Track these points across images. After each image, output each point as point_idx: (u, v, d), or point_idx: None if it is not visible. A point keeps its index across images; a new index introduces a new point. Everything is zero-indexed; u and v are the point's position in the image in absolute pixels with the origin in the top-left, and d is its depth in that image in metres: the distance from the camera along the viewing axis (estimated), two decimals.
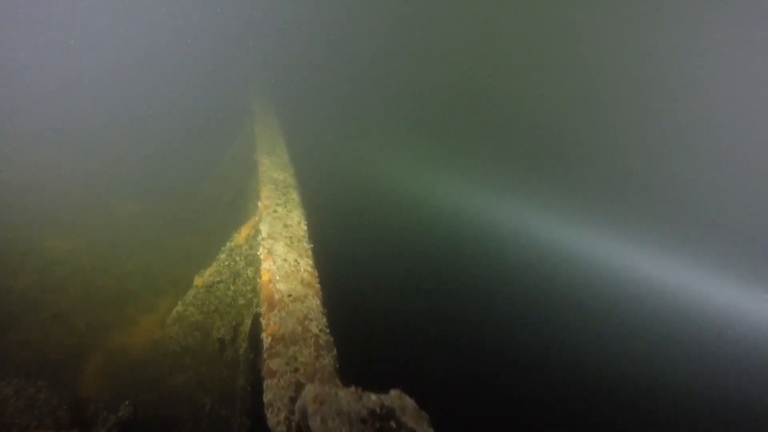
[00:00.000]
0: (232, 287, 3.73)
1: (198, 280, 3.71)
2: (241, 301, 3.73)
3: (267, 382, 1.92)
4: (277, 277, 2.51)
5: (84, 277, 4.73)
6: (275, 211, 3.25)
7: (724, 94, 10.06)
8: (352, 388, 1.62)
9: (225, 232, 6.57)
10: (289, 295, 2.40)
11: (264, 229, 3.02)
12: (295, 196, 3.65)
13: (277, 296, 2.35)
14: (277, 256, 2.72)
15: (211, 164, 6.75)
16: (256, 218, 3.48)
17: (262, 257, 2.71)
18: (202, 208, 6.67)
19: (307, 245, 3.00)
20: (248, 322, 3.48)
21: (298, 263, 2.73)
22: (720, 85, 10.06)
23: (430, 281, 6.12)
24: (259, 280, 2.98)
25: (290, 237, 2.98)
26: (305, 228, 3.22)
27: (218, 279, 3.66)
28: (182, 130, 8.06)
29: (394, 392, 1.59)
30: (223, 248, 3.70)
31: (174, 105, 8.56)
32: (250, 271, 3.63)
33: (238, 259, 3.64)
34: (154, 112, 8.15)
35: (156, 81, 8.89)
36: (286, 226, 3.11)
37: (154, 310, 4.67)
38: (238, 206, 6.37)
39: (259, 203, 3.45)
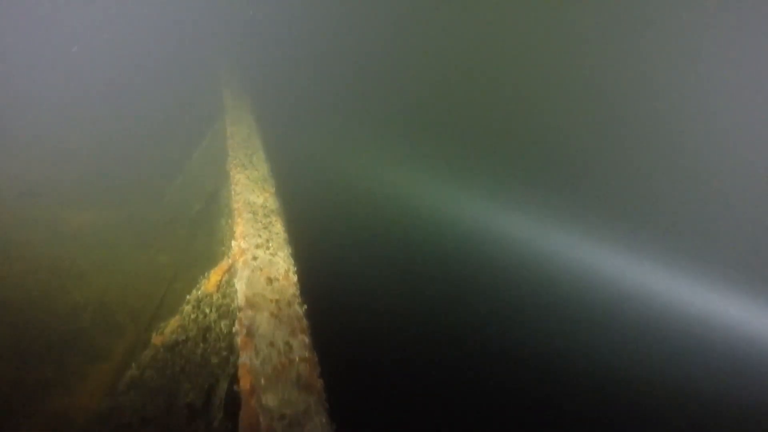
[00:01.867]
0: (201, 345, 2.95)
1: (157, 338, 2.91)
2: (215, 360, 2.96)
3: None
4: (263, 382, 1.75)
5: (13, 316, 3.85)
6: (255, 258, 2.46)
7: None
8: None
9: (196, 250, 5.68)
10: (282, 416, 1.64)
11: (241, 289, 2.24)
12: (279, 227, 2.85)
13: (264, 421, 1.59)
14: (261, 340, 1.95)
15: (178, 165, 5.83)
16: (230, 262, 2.68)
17: (239, 343, 1.93)
18: (168, 218, 5.78)
19: (299, 310, 2.23)
20: (224, 385, 2.73)
21: (290, 347, 1.96)
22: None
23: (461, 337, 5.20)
24: (237, 339, 2.22)
25: (277, 301, 2.20)
26: (296, 280, 2.44)
27: (183, 336, 2.86)
28: (144, 124, 7.04)
29: None
30: (188, 297, 2.90)
31: (135, 93, 7.51)
32: (224, 325, 2.85)
33: (208, 311, 2.85)
34: (112, 102, 7.11)
35: (110, 64, 7.79)
36: (270, 281, 2.33)
37: (107, 357, 3.84)
38: (210, 215, 5.53)
39: (234, 244, 2.64)
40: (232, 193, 3.16)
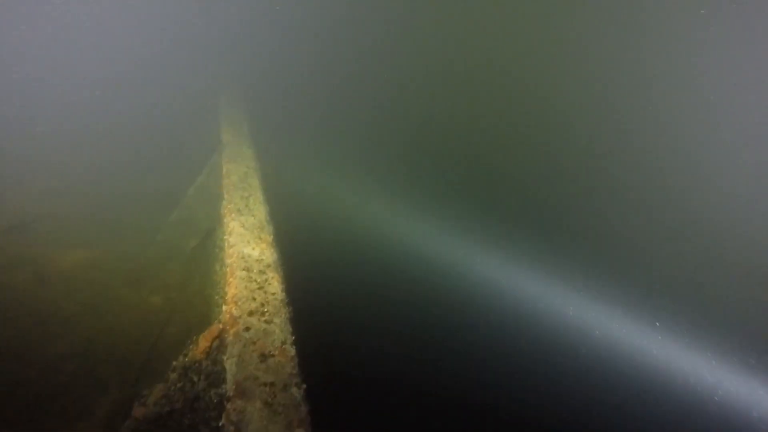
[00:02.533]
0: (189, 415, 2.66)
1: (138, 410, 2.63)
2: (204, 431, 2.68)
3: None
4: None
5: None
6: (247, 329, 2.20)
7: None
8: None
9: (191, 290, 5.38)
10: None
11: (230, 370, 1.97)
12: (276, 286, 2.60)
13: None
14: None
15: (173, 200, 5.60)
16: (220, 327, 2.42)
17: None
18: (163, 256, 5.52)
19: (297, 394, 1.95)
20: None
21: None
22: None
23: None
24: (228, 405, 1.94)
25: (271, 385, 1.93)
26: (293, 353, 2.17)
27: (168, 408, 2.58)
28: (139, 156, 6.83)
29: None
30: (174, 363, 2.62)
31: (130, 124, 7.32)
32: (213, 394, 2.57)
33: (196, 379, 2.57)
34: (105, 133, 6.90)
35: (103, 93, 7.61)
36: (264, 357, 2.06)
37: (89, 414, 3.55)
38: (206, 252, 5.28)
39: (225, 309, 2.38)
40: (226, 244, 2.91)
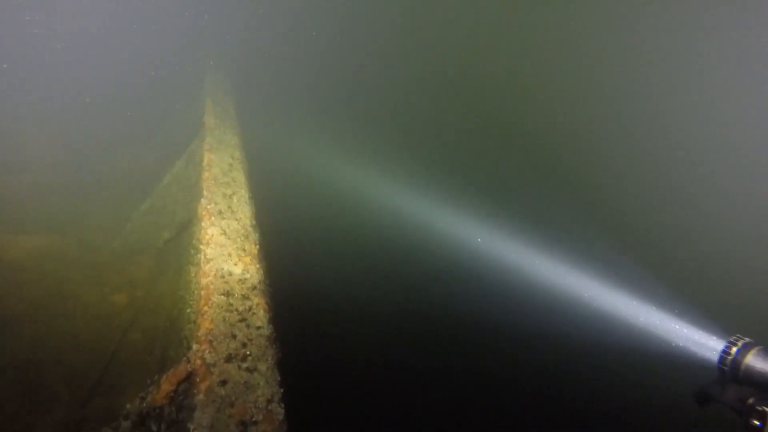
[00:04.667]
0: None
1: None
2: None
3: None
4: None
5: None
6: (223, 383, 1.70)
7: None
8: None
9: (161, 290, 4.83)
10: None
11: None
12: (262, 317, 2.10)
13: None
14: None
15: (146, 186, 5.00)
16: (189, 368, 1.91)
17: None
18: (131, 248, 4.92)
19: None
20: None
21: None
22: None
23: None
24: None
25: None
26: (282, 416, 1.68)
27: None
28: (108, 133, 6.13)
29: None
30: (127, 407, 2.10)
31: (100, 94, 6.58)
32: None
33: (155, 429, 2.07)
34: (71, 104, 6.16)
35: (72, 61, 6.83)
36: (243, 426, 1.57)
37: None
38: (181, 248, 4.72)
39: (195, 349, 1.87)
40: (202, 257, 2.39)
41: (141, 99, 6.52)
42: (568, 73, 10.19)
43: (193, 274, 3.12)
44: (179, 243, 4.84)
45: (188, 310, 3.13)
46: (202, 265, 2.33)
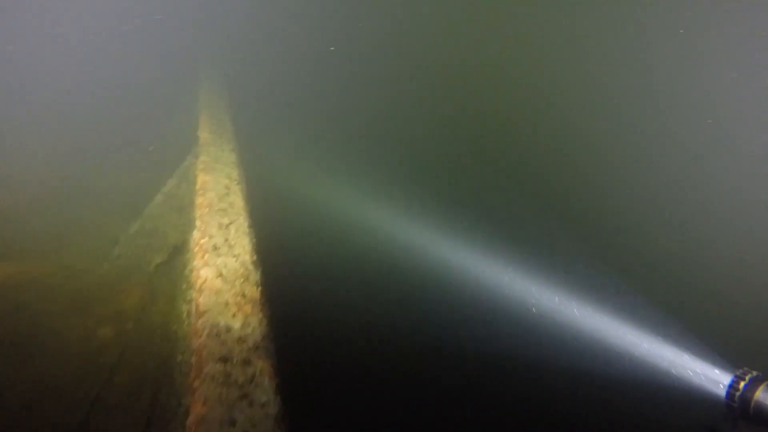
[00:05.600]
0: None
1: None
2: None
3: None
4: None
5: None
6: None
7: None
8: None
9: (152, 322, 4.42)
10: None
11: None
12: (267, 389, 1.71)
13: None
14: None
15: (136, 207, 4.60)
16: None
17: None
18: (119, 275, 4.52)
19: None
20: None
21: None
22: None
23: None
24: None
25: None
26: None
27: None
28: (92, 148, 5.69)
29: None
30: None
31: (89, 103, 6.16)
32: None
33: None
34: (55, 112, 5.71)
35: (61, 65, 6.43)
36: None
37: None
38: (173, 274, 4.33)
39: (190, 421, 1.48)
40: (194, 310, 2.01)
41: (131, 110, 6.12)
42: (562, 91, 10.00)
43: (185, 324, 2.74)
44: (171, 268, 4.44)
45: (179, 357, 2.74)
46: (194, 318, 1.94)
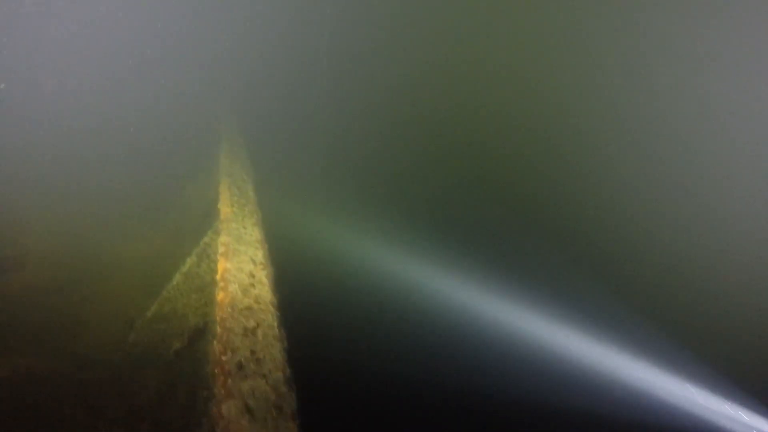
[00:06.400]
0: None
1: None
2: None
3: None
4: None
5: None
6: None
7: None
8: None
9: (170, 417, 3.90)
10: None
11: None
12: None
13: None
14: None
15: (151, 289, 4.23)
16: None
17: None
18: (134, 364, 4.11)
19: None
20: None
21: None
22: None
23: None
24: None
25: None
26: None
27: None
28: (106, 224, 5.37)
29: None
30: None
31: (103, 172, 5.93)
32: None
33: None
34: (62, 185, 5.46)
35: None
36: None
37: None
38: (195, 359, 3.89)
39: None
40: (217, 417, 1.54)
41: (147, 178, 5.87)
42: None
43: (207, 398, 2.27)
44: (192, 354, 4.00)
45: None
46: (219, 421, 1.48)
